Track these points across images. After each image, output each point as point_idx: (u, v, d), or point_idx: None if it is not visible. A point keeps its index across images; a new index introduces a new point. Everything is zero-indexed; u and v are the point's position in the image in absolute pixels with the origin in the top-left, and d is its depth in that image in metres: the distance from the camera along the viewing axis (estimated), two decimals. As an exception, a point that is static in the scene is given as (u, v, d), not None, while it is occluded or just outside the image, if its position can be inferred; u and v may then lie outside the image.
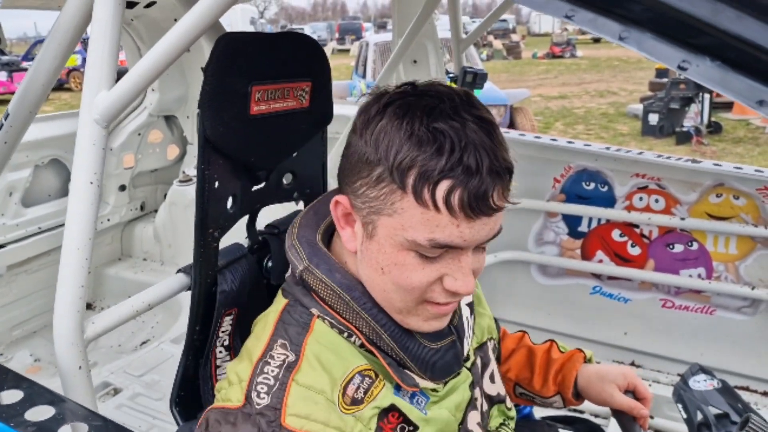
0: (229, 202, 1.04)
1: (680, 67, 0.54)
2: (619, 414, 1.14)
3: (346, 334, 0.84)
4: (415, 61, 2.38)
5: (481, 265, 0.82)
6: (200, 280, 1.01)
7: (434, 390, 0.89)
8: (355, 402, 0.79)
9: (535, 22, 43.00)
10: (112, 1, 0.91)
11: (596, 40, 31.72)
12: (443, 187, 0.72)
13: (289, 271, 0.92)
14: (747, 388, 2.34)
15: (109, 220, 3.14)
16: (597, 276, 2.55)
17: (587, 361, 1.19)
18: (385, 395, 0.82)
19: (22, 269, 2.77)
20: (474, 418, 0.95)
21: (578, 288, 2.59)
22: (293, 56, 1.04)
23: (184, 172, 3.19)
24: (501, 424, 1.06)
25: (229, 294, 1.03)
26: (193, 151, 3.28)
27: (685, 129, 9.04)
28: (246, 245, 1.12)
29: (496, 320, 1.21)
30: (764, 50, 0.50)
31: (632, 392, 1.13)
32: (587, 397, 1.15)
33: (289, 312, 0.86)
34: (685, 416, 1.16)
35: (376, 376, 0.83)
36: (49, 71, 1.03)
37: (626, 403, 1.09)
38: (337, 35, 34.33)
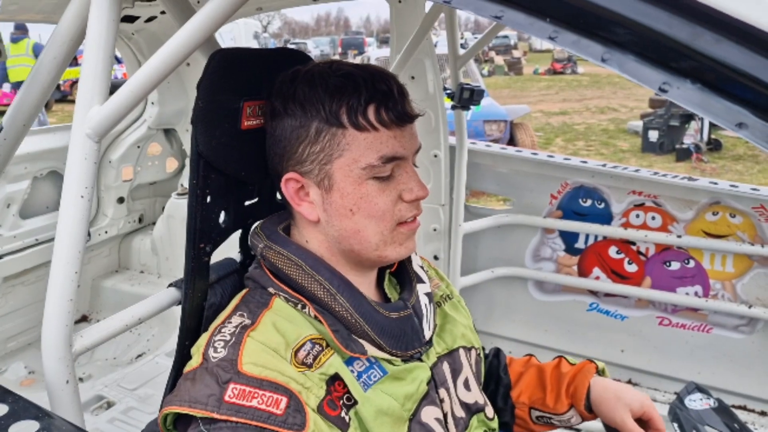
0: (222, 217, 1.04)
1: (661, 89, 0.54)
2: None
3: (299, 306, 0.90)
4: (413, 77, 2.39)
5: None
6: (191, 294, 1.01)
7: (389, 362, 0.91)
8: (305, 365, 0.84)
9: (537, 39, 43.19)
10: (107, 16, 0.91)
11: (597, 57, 31.84)
12: (371, 110, 0.87)
13: (253, 264, 1.00)
14: (744, 407, 2.32)
15: (107, 232, 3.15)
16: (594, 293, 2.55)
17: (599, 372, 1.16)
18: (331, 364, 0.85)
19: (19, 281, 2.77)
20: (431, 413, 0.94)
21: (575, 304, 2.59)
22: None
23: (182, 185, 3.20)
24: None
25: (218, 308, 1.02)
26: (192, 164, 3.29)
27: (685, 146, 9.05)
28: (238, 260, 1.12)
29: (498, 349, 1.25)
30: (742, 73, 0.51)
31: (644, 421, 1.09)
32: (598, 412, 1.12)
33: (250, 294, 0.94)
34: None
35: (327, 345, 0.87)
36: (44, 85, 1.04)
37: (640, 401, 1.07)
38: (339, 50, 34.55)
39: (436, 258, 2.58)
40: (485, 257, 2.71)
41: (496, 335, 2.73)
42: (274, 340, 0.84)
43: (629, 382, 2.52)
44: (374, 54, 11.37)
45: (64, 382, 0.92)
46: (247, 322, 0.86)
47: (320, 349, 0.86)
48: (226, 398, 0.77)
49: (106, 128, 0.93)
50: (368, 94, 0.87)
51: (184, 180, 3.26)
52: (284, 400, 0.78)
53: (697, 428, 1.15)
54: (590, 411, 1.13)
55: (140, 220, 3.35)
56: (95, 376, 2.51)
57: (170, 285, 1.11)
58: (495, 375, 1.24)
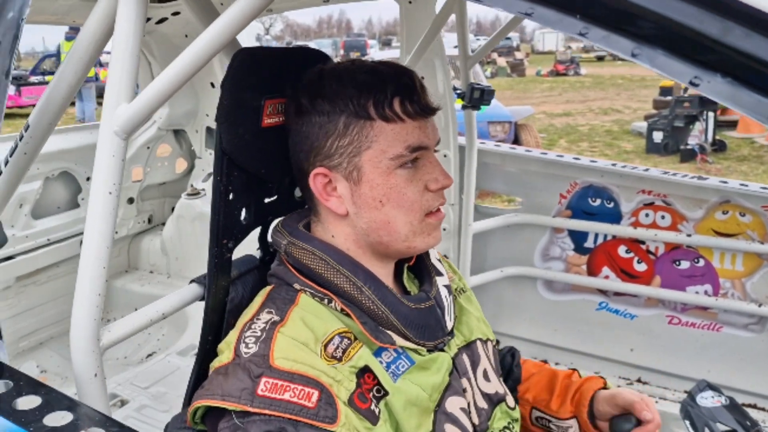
0: (243, 214, 1.05)
1: (692, 83, 0.56)
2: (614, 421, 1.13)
3: (326, 301, 0.91)
4: (422, 78, 2.40)
5: None
6: (214, 290, 1.03)
7: (416, 352, 0.93)
8: (335, 358, 0.85)
9: (539, 40, 43.24)
10: (134, 17, 0.93)
11: (600, 59, 31.89)
12: (397, 102, 0.91)
13: (274, 261, 1.02)
14: (754, 406, 2.33)
15: (116, 232, 3.16)
16: (603, 292, 2.56)
17: (606, 388, 1.19)
18: (360, 356, 0.87)
19: (31, 281, 2.79)
20: (456, 403, 0.96)
21: (584, 304, 2.60)
22: (305, 71, 1.07)
23: (192, 186, 3.21)
24: (505, 427, 1.06)
25: (239, 304, 1.04)
26: (201, 164, 3.31)
27: (689, 147, 9.06)
28: (258, 257, 1.14)
29: (513, 348, 1.28)
30: (773, 67, 0.52)
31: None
32: (599, 410, 1.14)
33: (276, 291, 0.95)
34: None
35: (355, 338, 0.89)
36: (69, 84, 1.05)
37: (630, 396, 1.09)
38: (342, 52, 34.61)
39: (445, 257, 2.59)
40: (494, 257, 2.72)
41: (505, 334, 2.74)
42: (303, 335, 0.85)
43: (638, 380, 2.53)
44: (377, 56, 11.40)
45: (93, 375, 0.94)
46: (276, 318, 0.88)
47: (349, 342, 0.88)
48: (259, 392, 0.78)
49: (133, 126, 0.95)
50: (394, 87, 0.91)
51: (194, 180, 3.28)
52: (316, 394, 0.79)
53: (709, 425, 1.16)
54: (592, 420, 1.16)
55: (149, 221, 3.37)
56: (107, 375, 2.52)
57: (192, 281, 1.12)
58: (507, 368, 1.27)
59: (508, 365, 1.28)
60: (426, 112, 0.93)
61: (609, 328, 2.55)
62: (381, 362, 0.89)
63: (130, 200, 3.20)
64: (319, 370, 0.82)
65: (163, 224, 3.34)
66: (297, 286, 0.94)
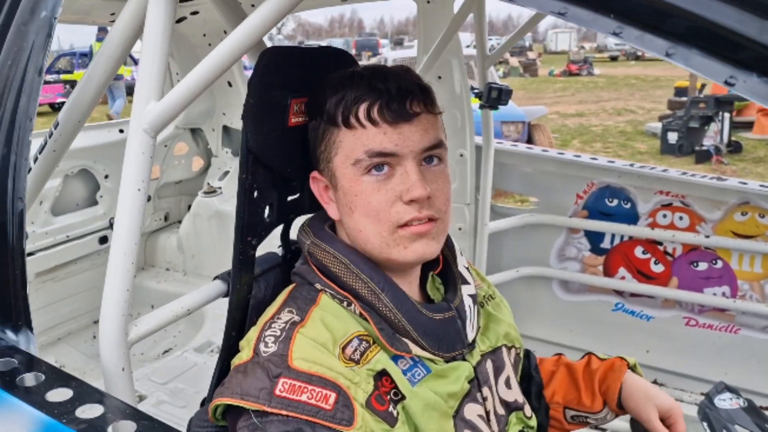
0: (266, 211, 1.06)
1: (727, 83, 0.56)
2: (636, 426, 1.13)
3: (345, 303, 0.91)
4: (439, 77, 2.41)
5: (440, 183, 0.92)
6: (238, 287, 1.04)
7: (432, 361, 0.92)
8: (353, 361, 0.85)
9: (552, 40, 43.05)
10: (164, 16, 0.94)
11: (613, 59, 31.69)
12: (362, 107, 0.89)
13: (299, 260, 1.02)
14: (772, 409, 2.31)
15: (135, 229, 3.20)
16: (619, 293, 2.55)
17: (632, 368, 1.17)
18: (378, 360, 0.87)
19: (50, 277, 2.82)
20: (474, 410, 0.95)
21: (600, 304, 2.59)
22: (330, 69, 1.07)
23: (208, 184, 3.23)
24: (520, 431, 1.07)
25: (262, 300, 1.05)
26: (217, 163, 3.33)
27: (704, 148, 8.98)
28: (280, 254, 1.15)
29: (528, 351, 1.24)
30: (811, 67, 0.52)
31: (668, 425, 1.10)
32: (626, 407, 1.14)
33: (298, 290, 0.96)
34: None
35: (373, 342, 0.89)
36: (99, 83, 1.07)
37: (668, 402, 1.09)
38: (354, 51, 34.65)
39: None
40: (510, 257, 2.72)
41: (520, 335, 2.73)
42: (322, 337, 0.86)
43: (655, 382, 2.52)
44: (390, 56, 11.39)
45: (121, 369, 0.95)
46: (297, 318, 0.88)
47: (367, 345, 0.88)
48: (277, 392, 0.79)
49: (162, 124, 0.96)
50: (359, 93, 0.89)
51: (210, 179, 3.30)
52: (333, 396, 0.80)
53: (727, 428, 1.15)
54: (621, 407, 1.15)
55: (166, 218, 3.40)
56: (125, 370, 2.55)
57: (216, 278, 1.13)
58: (526, 374, 1.25)
59: (527, 370, 1.26)
60: (397, 119, 0.88)
61: (625, 329, 2.54)
62: (399, 368, 0.89)
63: (147, 198, 3.22)
64: (337, 372, 0.82)
65: (180, 222, 3.36)
66: (318, 286, 0.94)
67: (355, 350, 0.86)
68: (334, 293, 0.92)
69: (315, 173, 0.98)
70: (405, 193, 0.88)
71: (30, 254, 2.69)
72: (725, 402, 1.20)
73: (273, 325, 0.88)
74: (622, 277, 2.51)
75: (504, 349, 1.08)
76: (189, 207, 3.27)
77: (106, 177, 2.96)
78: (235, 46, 0.91)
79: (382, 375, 0.86)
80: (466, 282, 1.06)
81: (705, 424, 1.20)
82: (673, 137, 9.27)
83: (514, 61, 25.87)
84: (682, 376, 2.46)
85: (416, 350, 0.90)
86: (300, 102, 1.03)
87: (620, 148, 10.25)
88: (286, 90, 1.00)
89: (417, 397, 0.87)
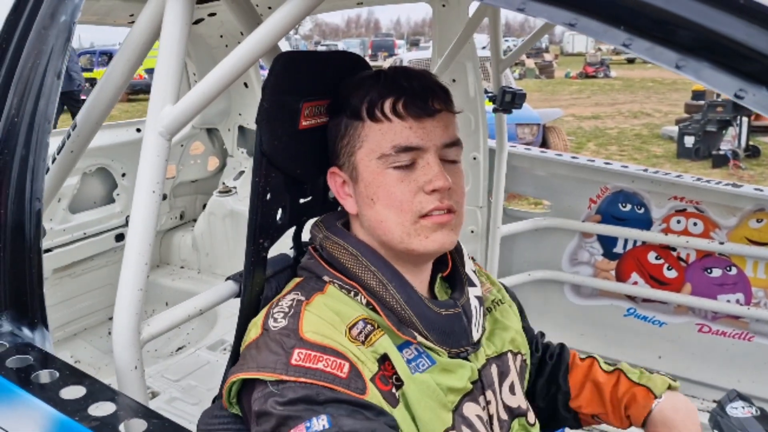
0: (279, 214, 1.08)
1: (737, 96, 0.56)
2: None
3: (352, 293, 0.93)
4: (454, 80, 2.41)
5: (457, 178, 0.97)
6: (249, 287, 1.05)
7: (437, 353, 0.93)
8: (358, 341, 0.88)
9: (569, 42, 42.79)
10: (180, 20, 0.95)
11: (630, 61, 31.42)
12: (387, 103, 0.93)
13: (305, 257, 1.05)
14: (786, 418, 2.29)
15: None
16: (631, 298, 2.54)
17: (657, 396, 1.11)
18: (381, 344, 0.89)
19: (67, 273, 2.86)
20: (473, 409, 0.96)
21: (612, 309, 2.58)
22: (342, 74, 1.08)
23: (224, 183, 3.26)
24: None
25: (271, 301, 1.06)
26: (232, 163, 3.36)
27: (721, 152, 8.88)
28: (292, 256, 1.16)
29: (563, 345, 1.25)
30: (820, 81, 0.52)
31: None
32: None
33: (305, 282, 0.98)
34: None
35: (378, 326, 0.91)
36: (116, 84, 1.09)
37: None
38: (370, 52, 34.67)
39: (472, 260, 2.59)
40: (522, 260, 2.71)
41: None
42: (329, 316, 0.89)
43: (667, 388, 2.50)
44: (406, 56, 11.39)
45: (133, 367, 0.97)
46: (302, 298, 0.92)
47: (372, 328, 0.90)
48: (293, 362, 0.81)
49: (177, 127, 0.97)
50: (385, 89, 0.94)
51: (225, 178, 3.33)
52: (347, 365, 0.83)
53: None
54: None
55: (181, 217, 3.43)
56: (138, 367, 2.59)
57: (228, 278, 1.15)
58: (555, 380, 1.22)
59: (555, 375, 1.23)
60: (421, 114, 0.93)
61: (637, 334, 2.53)
62: (402, 356, 0.91)
63: (163, 196, 3.26)
64: (346, 347, 0.85)
65: (195, 221, 3.39)
66: (326, 278, 0.97)
67: (360, 332, 0.89)
68: (341, 283, 0.95)
69: (334, 168, 1.01)
70: (427, 184, 0.92)
71: (48, 251, 2.73)
72: (737, 410, 1.19)
73: (280, 303, 0.92)
74: (635, 283, 2.50)
75: (510, 355, 1.09)
76: (204, 206, 3.30)
77: (123, 175, 3.00)
78: (250, 51, 0.93)
79: (384, 359, 0.89)
80: (472, 284, 1.07)
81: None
82: (689, 141, 9.19)
83: (530, 63, 25.76)
84: (694, 383, 2.44)
85: (421, 339, 0.92)
86: (311, 105, 1.05)
87: (636, 151, 10.17)
88: (299, 94, 1.02)
89: (415, 383, 0.89)
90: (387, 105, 0.93)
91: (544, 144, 8.15)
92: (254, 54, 0.93)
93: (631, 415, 1.13)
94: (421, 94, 0.93)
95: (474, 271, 1.12)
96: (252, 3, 1.19)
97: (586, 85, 21.22)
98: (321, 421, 0.77)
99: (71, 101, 9.58)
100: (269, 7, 2.22)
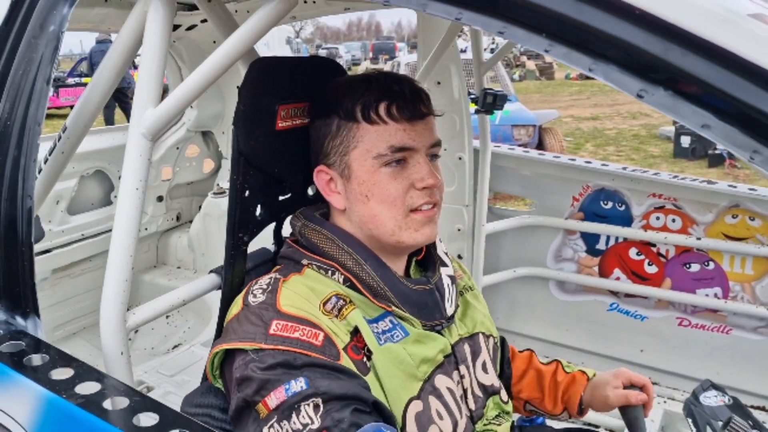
0: (258, 210, 1.15)
1: (639, 95, 0.63)
2: (623, 409, 1.21)
3: (330, 272, 1.01)
4: (438, 83, 2.48)
5: (439, 174, 1.05)
6: (230, 279, 1.12)
7: (412, 325, 1.01)
8: (332, 314, 0.95)
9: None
10: (161, 28, 1.03)
11: (631, 62, 31.28)
12: (382, 106, 1.00)
13: (283, 247, 1.12)
14: (763, 408, 2.35)
15: (146, 229, 3.30)
16: (614, 293, 2.60)
17: (590, 380, 1.28)
18: (353, 317, 0.96)
19: (66, 273, 2.93)
20: (444, 382, 1.03)
21: (596, 304, 2.64)
22: (317, 78, 1.16)
23: (218, 185, 3.33)
24: (497, 416, 1.14)
25: None
26: (227, 165, 3.43)
27: (717, 152, 8.92)
28: (272, 250, 1.23)
29: (503, 339, 1.35)
30: (706, 82, 0.59)
31: (637, 387, 1.21)
32: (594, 409, 1.25)
33: (284, 267, 1.05)
34: (694, 430, 1.21)
35: (350, 301, 0.99)
36: (104, 89, 1.16)
37: (622, 395, 1.18)
38: (371, 54, 34.74)
39: (459, 257, 2.66)
40: (507, 257, 2.78)
41: (517, 333, 2.79)
42: (304, 292, 0.97)
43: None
44: (405, 59, 11.47)
45: (119, 353, 1.04)
46: (280, 276, 1.00)
47: (344, 303, 0.98)
48: (271, 332, 0.89)
49: (159, 129, 1.05)
50: (379, 93, 1.01)
51: (221, 180, 3.40)
52: (321, 335, 0.90)
53: (711, 424, 1.21)
54: (581, 413, 1.27)
55: (178, 218, 3.50)
56: (135, 363, 2.64)
57: (211, 271, 1.22)
58: (498, 362, 1.33)
59: (500, 361, 1.35)
60: (413, 117, 1.01)
61: (620, 328, 2.59)
62: (376, 329, 0.98)
63: (160, 198, 3.33)
64: (320, 320, 0.92)
65: (191, 222, 3.46)
66: (304, 261, 1.04)
67: (334, 306, 0.97)
68: (319, 264, 1.02)
69: (322, 167, 1.07)
70: (419, 181, 1.01)
71: (47, 251, 2.80)
72: (710, 399, 1.25)
73: (259, 281, 1.00)
74: (617, 278, 2.56)
75: (481, 336, 1.17)
76: (200, 207, 3.37)
77: (120, 178, 3.07)
78: (226, 56, 1.00)
79: (357, 331, 0.96)
80: (444, 264, 1.16)
81: (690, 420, 1.25)
82: (686, 141, 9.23)
83: (530, 65, 25.78)
84: (675, 375, 2.50)
85: (396, 309, 1.00)
86: (287, 108, 1.12)
87: (633, 151, 10.22)
88: (275, 97, 1.09)
89: (382, 353, 0.96)
90: (382, 108, 1.00)
91: (541, 145, 8.21)
92: (230, 58, 1.00)
93: (570, 394, 1.25)
94: (411, 98, 1.01)
95: (445, 253, 1.21)
96: (229, 10, 1.26)
97: (586, 86, 21.23)
98: (299, 383, 0.84)
99: (122, 96, 10.03)
100: (248, 11, 2.29)
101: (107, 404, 0.88)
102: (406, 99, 1.01)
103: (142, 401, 0.89)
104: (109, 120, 10.33)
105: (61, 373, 0.94)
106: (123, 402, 0.88)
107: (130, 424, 0.83)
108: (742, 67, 0.58)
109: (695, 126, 0.60)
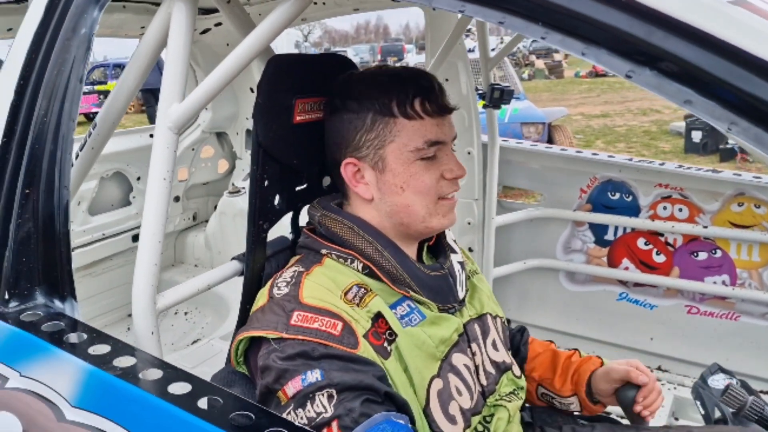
0: (276, 199, 1.22)
1: (627, 75, 0.69)
2: (618, 390, 1.25)
3: (349, 261, 1.06)
4: (447, 79, 2.54)
5: None
6: (252, 265, 1.19)
7: (428, 308, 1.07)
8: (353, 303, 1.01)
9: (579, 41, 42.55)
10: (185, 28, 1.10)
11: (641, 58, 31.11)
12: (417, 102, 1.06)
13: (301, 237, 1.17)
14: (772, 393, 2.39)
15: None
16: (623, 283, 2.65)
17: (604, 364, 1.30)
18: (375, 304, 1.01)
19: (88, 272, 3.02)
20: (461, 359, 1.10)
21: (605, 294, 2.69)
22: (332, 74, 1.22)
23: (233, 184, 3.42)
24: (511, 392, 1.20)
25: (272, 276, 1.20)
26: (241, 165, 3.51)
27: (729, 146, 8.90)
28: (290, 239, 1.30)
29: (523, 327, 1.43)
30: (687, 62, 0.65)
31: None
32: (599, 395, 1.27)
33: (305, 257, 1.11)
34: (702, 412, 1.26)
35: (370, 290, 1.05)
36: (129, 89, 1.23)
37: (624, 370, 1.21)
38: (379, 57, 34.84)
39: (470, 250, 2.72)
40: (518, 249, 2.83)
41: (529, 324, 2.83)
42: (326, 283, 1.02)
43: (659, 368, 2.61)
44: (413, 60, 11.53)
45: (150, 333, 1.11)
46: (303, 269, 1.05)
47: (365, 291, 1.04)
48: (292, 322, 0.95)
49: (183, 122, 1.12)
50: (414, 89, 1.06)
51: (235, 179, 3.49)
52: (340, 324, 0.96)
53: (718, 405, 1.26)
54: (591, 398, 1.27)
55: (194, 218, 3.59)
56: (157, 357, 2.73)
57: (233, 258, 1.29)
58: (516, 346, 1.40)
59: (517, 343, 1.41)
60: (443, 111, 1.08)
61: (629, 318, 2.64)
62: (395, 313, 1.04)
63: (176, 199, 3.42)
64: (341, 309, 0.98)
65: (207, 221, 3.55)
66: (323, 251, 1.10)
67: (355, 296, 1.02)
68: (338, 253, 1.08)
69: (351, 159, 1.10)
70: (448, 172, 1.08)
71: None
72: (718, 382, 1.31)
73: (283, 275, 1.06)
74: (626, 268, 2.61)
75: (489, 317, 1.23)
76: (215, 207, 3.45)
77: (138, 179, 3.16)
78: (244, 54, 1.07)
79: (378, 317, 1.02)
80: (454, 251, 1.23)
81: (698, 402, 1.30)
82: (697, 136, 9.22)
83: (539, 63, 25.74)
84: (684, 362, 2.54)
85: (414, 294, 1.07)
86: (304, 102, 1.19)
87: (644, 147, 10.22)
88: (292, 92, 1.16)
89: (407, 336, 1.02)
90: (417, 104, 1.05)
91: (550, 143, 8.23)
92: (248, 56, 1.07)
93: (581, 372, 1.28)
94: (439, 93, 1.08)
95: (454, 241, 1.28)
96: (246, 11, 1.33)
97: (596, 83, 21.18)
98: (314, 374, 0.91)
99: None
100: (259, 14, 2.37)
101: (143, 375, 0.95)
102: (435, 94, 1.07)
103: (174, 372, 0.96)
104: (152, 118, 10.60)
105: (99, 349, 1.01)
106: (157, 373, 0.95)
107: (166, 392, 0.90)
108: (719, 48, 0.64)
109: (679, 102, 0.66)
